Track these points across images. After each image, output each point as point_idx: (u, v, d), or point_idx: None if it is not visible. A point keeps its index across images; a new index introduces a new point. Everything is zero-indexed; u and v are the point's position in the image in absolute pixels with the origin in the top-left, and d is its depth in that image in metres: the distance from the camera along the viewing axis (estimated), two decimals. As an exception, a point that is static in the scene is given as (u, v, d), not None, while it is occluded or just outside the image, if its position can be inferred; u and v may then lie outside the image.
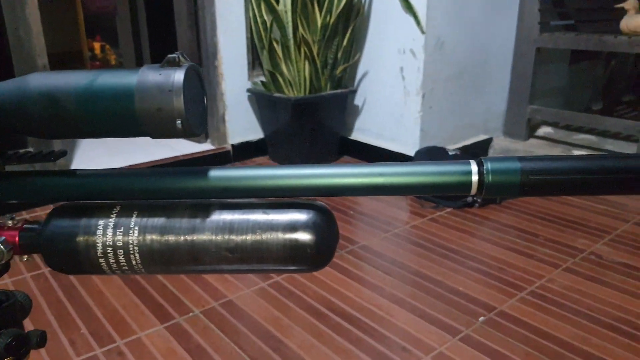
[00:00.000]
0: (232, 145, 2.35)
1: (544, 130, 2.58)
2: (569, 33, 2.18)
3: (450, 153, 1.97)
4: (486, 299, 1.27)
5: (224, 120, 2.32)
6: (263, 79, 2.26)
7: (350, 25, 2.12)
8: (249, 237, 0.35)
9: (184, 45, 2.31)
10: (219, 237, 0.35)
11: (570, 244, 1.57)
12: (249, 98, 2.36)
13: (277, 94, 2.16)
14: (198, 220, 0.35)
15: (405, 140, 2.18)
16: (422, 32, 1.96)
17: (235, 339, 1.12)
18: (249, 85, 2.34)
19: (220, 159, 2.33)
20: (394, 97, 2.18)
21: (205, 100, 0.36)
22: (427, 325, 1.16)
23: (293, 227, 0.35)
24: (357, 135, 2.43)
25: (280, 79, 2.12)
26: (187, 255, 0.35)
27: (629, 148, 2.24)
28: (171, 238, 0.35)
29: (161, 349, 1.09)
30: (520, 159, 0.34)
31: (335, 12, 2.04)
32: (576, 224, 1.70)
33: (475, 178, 0.34)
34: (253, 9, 2.09)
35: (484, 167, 0.34)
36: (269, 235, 0.35)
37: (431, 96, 2.10)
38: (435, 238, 1.61)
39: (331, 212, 0.37)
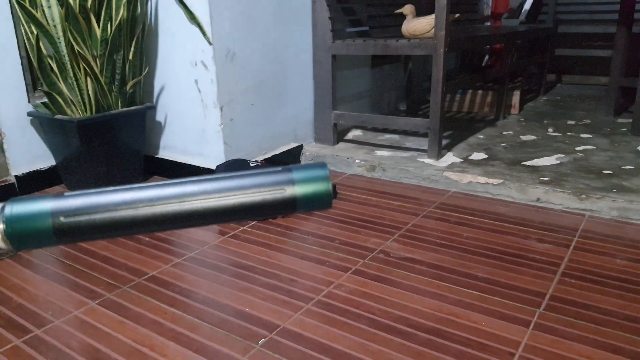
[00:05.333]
0: (16, 177, 2.06)
1: (353, 134, 2.68)
2: (358, 40, 2.27)
3: (251, 164, 1.93)
4: (271, 317, 1.23)
5: (2, 150, 2.02)
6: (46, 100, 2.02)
7: (135, 38, 1.97)
8: None
9: (-60, 65, 1.97)
10: None
11: (363, 244, 1.60)
12: (32, 122, 2.09)
13: (59, 116, 1.94)
14: None
15: (210, 154, 2.10)
16: (210, 43, 1.89)
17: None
18: (30, 108, 2.07)
19: (2, 193, 2.03)
20: (194, 111, 2.08)
21: None
22: None
23: None
24: (163, 152, 2.29)
25: (59, 99, 1.91)
26: None
27: (424, 143, 2.41)
28: None
29: None
30: (58, 196, 0.26)
31: (114, 25, 1.88)
32: (372, 223, 1.76)
33: None
34: (23, 25, 1.85)
35: (4, 213, 0.26)
36: None
37: (230, 108, 2.04)
38: (233, 257, 1.54)
39: None
